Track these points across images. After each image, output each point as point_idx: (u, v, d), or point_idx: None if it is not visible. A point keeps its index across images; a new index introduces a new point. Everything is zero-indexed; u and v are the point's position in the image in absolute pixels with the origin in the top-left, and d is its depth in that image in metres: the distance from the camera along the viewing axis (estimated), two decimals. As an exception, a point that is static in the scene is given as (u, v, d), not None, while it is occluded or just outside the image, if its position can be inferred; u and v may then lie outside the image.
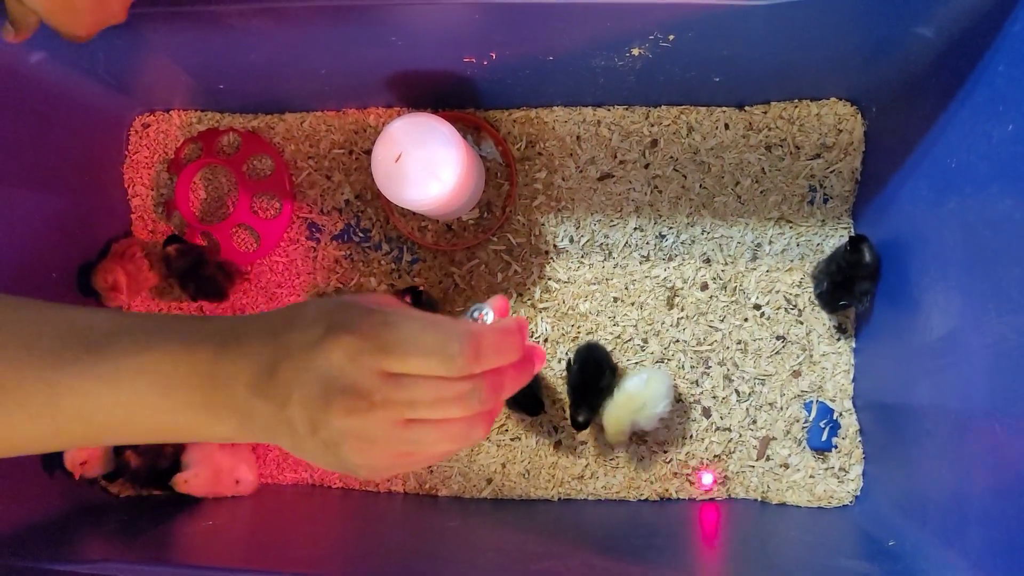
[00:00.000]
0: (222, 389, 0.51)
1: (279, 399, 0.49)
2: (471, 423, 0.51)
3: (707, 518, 0.98)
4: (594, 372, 0.98)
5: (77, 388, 0.50)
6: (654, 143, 1.05)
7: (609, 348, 1.03)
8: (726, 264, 1.03)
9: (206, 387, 0.51)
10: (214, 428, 0.52)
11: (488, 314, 0.56)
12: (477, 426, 0.52)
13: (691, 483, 1.01)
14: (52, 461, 0.98)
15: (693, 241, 1.03)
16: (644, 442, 1.01)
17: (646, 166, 1.05)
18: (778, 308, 1.02)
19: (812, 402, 1.00)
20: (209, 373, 0.51)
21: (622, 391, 0.96)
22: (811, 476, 0.99)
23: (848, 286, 0.94)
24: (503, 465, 1.03)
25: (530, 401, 0.99)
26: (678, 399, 1.01)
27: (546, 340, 1.04)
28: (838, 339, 1.01)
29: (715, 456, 1.01)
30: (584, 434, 1.02)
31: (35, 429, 0.51)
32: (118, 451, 1.01)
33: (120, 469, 1.01)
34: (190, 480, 0.99)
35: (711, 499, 1.01)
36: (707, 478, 1.00)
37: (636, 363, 1.02)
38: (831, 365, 1.01)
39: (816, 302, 1.01)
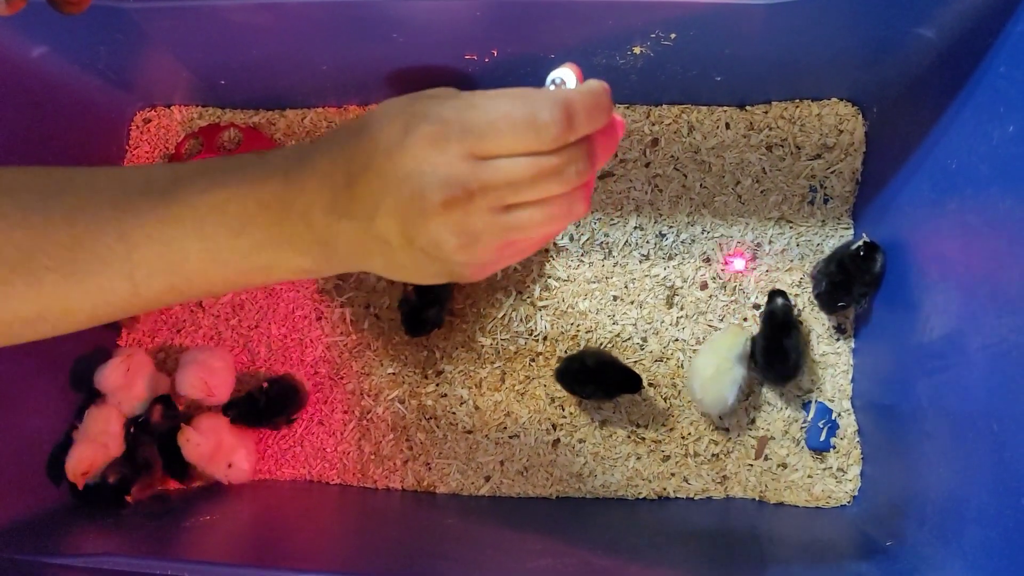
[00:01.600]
0: (298, 220, 0.48)
1: (364, 215, 0.46)
2: (571, 198, 0.48)
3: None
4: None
5: (151, 236, 0.48)
6: (655, 142, 1.05)
7: (608, 347, 1.03)
8: (726, 264, 1.03)
9: (281, 221, 0.48)
10: (296, 262, 0.49)
11: (569, 80, 0.51)
12: (578, 200, 0.49)
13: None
14: (58, 472, 0.99)
15: (693, 240, 1.03)
16: (642, 439, 1.01)
17: (647, 165, 1.05)
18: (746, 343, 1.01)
19: (811, 402, 1.00)
20: (281, 206, 0.48)
21: (704, 359, 0.96)
22: (809, 476, 1.00)
23: (848, 287, 0.94)
24: (501, 463, 1.03)
25: (628, 378, 0.98)
26: (677, 394, 1.01)
27: (545, 338, 1.04)
28: (837, 339, 1.01)
29: (713, 455, 1.01)
30: (583, 431, 1.02)
31: (117, 289, 0.49)
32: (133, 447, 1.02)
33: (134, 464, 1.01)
34: (192, 440, 0.99)
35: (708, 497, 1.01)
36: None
37: (635, 362, 1.02)
38: (830, 365, 1.01)
39: (815, 302, 1.01)
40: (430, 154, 0.44)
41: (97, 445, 0.98)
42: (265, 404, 1.02)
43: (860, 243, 0.92)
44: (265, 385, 1.03)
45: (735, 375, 0.95)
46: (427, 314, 1.00)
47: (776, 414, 1.00)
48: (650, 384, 1.02)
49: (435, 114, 0.45)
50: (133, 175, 0.51)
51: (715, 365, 0.95)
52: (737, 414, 1.01)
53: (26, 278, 0.48)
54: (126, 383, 1.01)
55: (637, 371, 0.98)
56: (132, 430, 1.02)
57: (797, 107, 1.03)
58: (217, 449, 1.01)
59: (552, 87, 0.51)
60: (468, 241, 0.46)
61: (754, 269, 1.01)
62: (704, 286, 1.03)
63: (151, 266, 0.49)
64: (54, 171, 0.51)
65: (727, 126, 1.04)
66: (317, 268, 0.50)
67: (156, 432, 1.03)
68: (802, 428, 1.00)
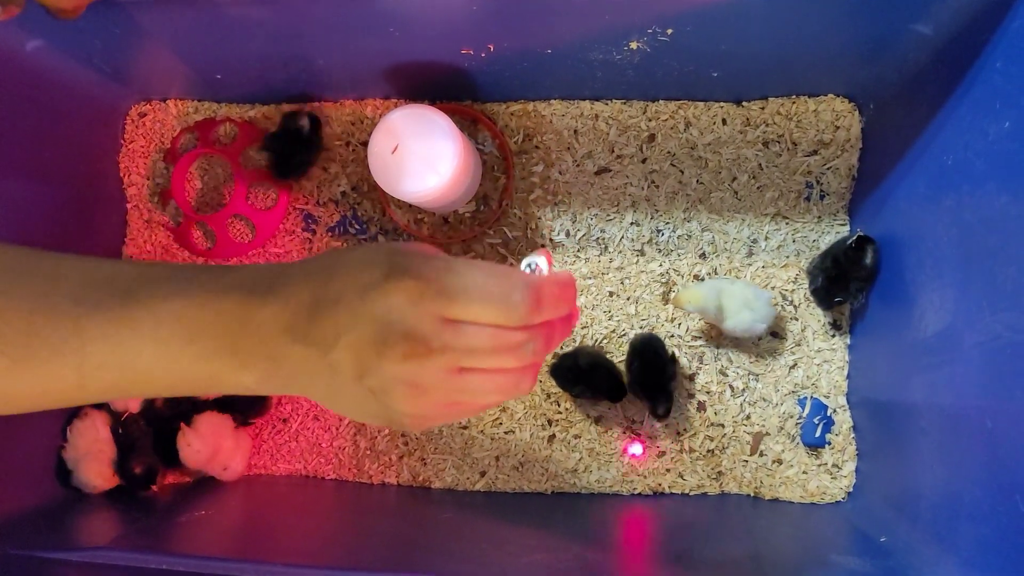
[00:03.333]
0: (252, 335, 0.49)
1: (322, 344, 0.48)
2: (521, 374, 0.52)
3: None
4: (655, 362, 0.98)
5: (106, 334, 0.49)
6: (651, 138, 1.05)
7: (603, 343, 1.03)
8: (722, 259, 1.03)
9: (234, 333, 0.49)
10: (240, 376, 0.51)
11: (543, 266, 0.56)
12: (526, 378, 0.52)
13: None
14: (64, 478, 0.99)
15: (689, 236, 1.03)
16: (638, 435, 1.01)
17: (643, 161, 1.05)
18: (774, 304, 1.02)
19: (806, 398, 1.00)
20: (238, 319, 0.49)
21: (735, 281, 0.97)
22: (804, 472, 1.00)
23: (844, 283, 0.94)
24: (497, 458, 1.03)
25: (613, 386, 0.98)
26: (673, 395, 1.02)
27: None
28: (833, 335, 1.01)
29: (708, 451, 1.01)
30: (579, 427, 1.02)
31: (64, 378, 0.50)
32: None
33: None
34: (194, 444, 0.99)
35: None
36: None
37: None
38: (825, 361, 1.01)
39: (811, 298, 1.01)
40: (404, 305, 0.47)
41: (94, 455, 0.98)
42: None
43: (853, 237, 0.92)
44: None
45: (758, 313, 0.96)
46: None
47: (771, 410, 1.00)
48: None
49: (417, 270, 0.48)
50: (98, 270, 0.52)
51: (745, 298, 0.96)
52: (731, 410, 1.01)
53: None
54: None
55: (595, 354, 0.98)
56: (121, 431, 1.01)
57: (794, 103, 1.03)
58: (215, 453, 1.01)
59: (527, 270, 0.56)
60: (415, 393, 0.48)
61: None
62: (700, 281, 1.03)
63: (101, 362, 0.50)
64: (20, 252, 0.52)
65: (724, 122, 1.04)
66: (258, 386, 0.52)
67: (155, 419, 1.03)
68: (797, 424, 1.00)
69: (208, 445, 1.00)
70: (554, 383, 1.02)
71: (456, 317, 0.48)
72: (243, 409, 1.04)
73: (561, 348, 1.03)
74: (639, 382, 0.98)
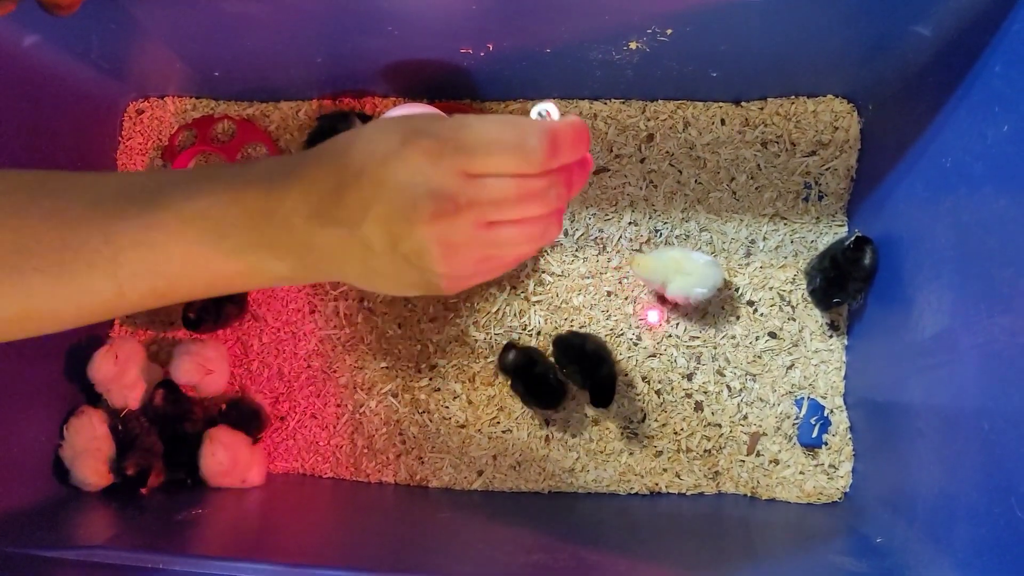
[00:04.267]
0: (280, 225, 0.49)
1: (350, 221, 0.48)
2: (547, 220, 0.52)
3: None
4: (593, 361, 0.99)
5: (136, 241, 0.49)
6: (650, 137, 1.05)
7: (603, 338, 1.03)
8: (719, 259, 1.03)
9: (261, 226, 0.50)
10: (274, 267, 0.51)
11: (553, 112, 0.56)
12: (553, 223, 0.53)
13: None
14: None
15: (687, 236, 1.03)
16: (635, 435, 1.02)
17: (642, 160, 1.05)
18: (771, 305, 1.02)
19: (803, 398, 1.00)
20: (263, 211, 0.50)
21: (685, 252, 0.98)
22: (801, 472, 1.00)
23: (842, 283, 0.94)
24: (494, 457, 1.03)
25: (603, 389, 0.98)
26: (666, 377, 1.02)
27: (539, 333, 1.04)
28: (830, 336, 1.01)
29: (705, 451, 1.01)
30: (576, 426, 1.02)
31: (102, 290, 0.50)
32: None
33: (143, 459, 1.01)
34: (218, 454, 0.99)
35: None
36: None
37: (629, 357, 1.02)
38: (823, 362, 1.01)
39: (809, 299, 1.01)
40: (425, 166, 0.47)
41: (92, 452, 0.98)
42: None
43: (852, 238, 0.92)
44: (224, 407, 1.04)
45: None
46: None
47: (768, 410, 1.01)
48: (643, 379, 1.02)
49: (432, 130, 0.48)
50: (118, 180, 0.52)
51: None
52: (728, 410, 1.01)
53: (13, 278, 0.49)
54: (118, 372, 1.00)
55: (629, 368, 0.98)
56: (121, 428, 1.01)
57: (793, 104, 1.03)
58: (234, 466, 1.01)
59: (538, 118, 0.55)
60: (449, 252, 0.49)
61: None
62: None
63: (135, 269, 0.50)
64: (40, 174, 0.52)
65: (722, 122, 1.04)
66: (293, 275, 0.52)
67: (158, 416, 1.03)
68: (794, 424, 1.00)
69: (227, 456, 1.00)
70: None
71: (477, 171, 0.48)
72: (245, 426, 1.04)
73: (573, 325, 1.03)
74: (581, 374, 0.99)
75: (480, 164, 0.48)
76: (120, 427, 1.01)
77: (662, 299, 1.02)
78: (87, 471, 0.97)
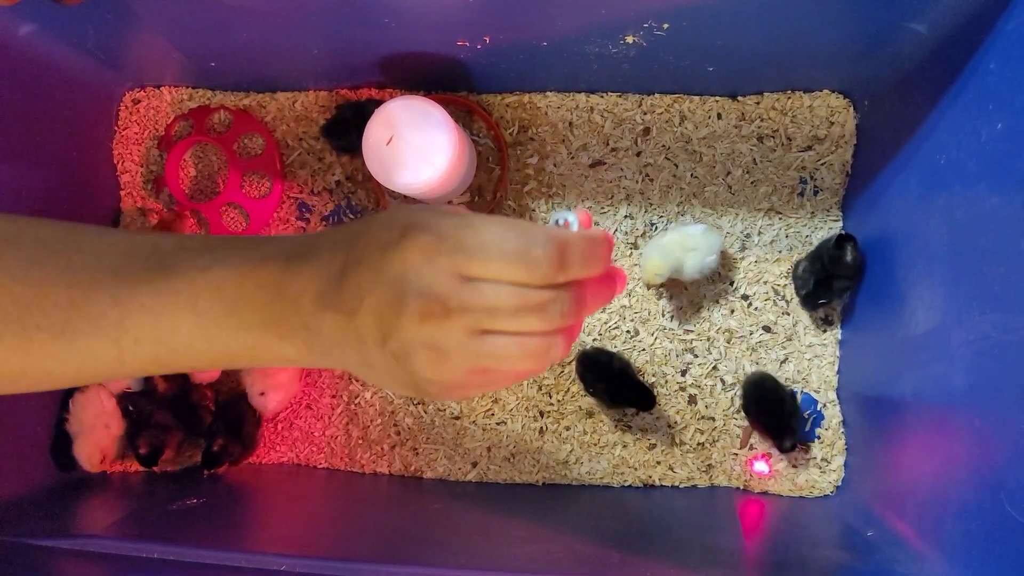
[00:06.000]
0: (289, 305, 0.48)
1: (348, 309, 0.47)
2: (550, 339, 0.48)
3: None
4: (773, 401, 0.98)
5: (144, 307, 0.49)
6: (646, 131, 1.05)
7: (598, 338, 1.03)
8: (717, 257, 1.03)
9: (273, 304, 0.48)
10: (281, 349, 0.50)
11: (573, 222, 0.51)
12: (556, 343, 0.48)
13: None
14: (64, 461, 1.00)
15: (683, 230, 1.04)
16: (629, 428, 1.02)
17: (638, 154, 1.05)
18: (766, 299, 1.02)
19: (796, 392, 1.01)
20: (276, 289, 0.48)
21: (678, 231, 0.98)
22: (793, 466, 1.00)
23: (828, 284, 0.94)
24: (488, 449, 1.04)
25: (642, 394, 0.98)
26: (661, 371, 1.02)
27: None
28: (824, 331, 1.02)
29: (699, 444, 1.01)
30: (570, 419, 1.03)
31: (103, 352, 0.49)
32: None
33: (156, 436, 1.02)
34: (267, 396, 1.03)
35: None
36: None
37: (624, 350, 1.03)
38: (816, 356, 1.01)
39: (800, 304, 1.01)
40: (419, 262, 0.45)
41: (99, 429, 0.99)
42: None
43: (834, 237, 0.93)
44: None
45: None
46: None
47: (762, 404, 1.01)
48: (638, 372, 1.02)
49: (433, 226, 0.46)
50: (137, 243, 0.51)
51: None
52: (722, 403, 1.01)
53: (17, 334, 0.48)
54: None
55: (627, 363, 0.99)
56: (131, 407, 1.02)
57: (789, 98, 1.03)
58: (271, 374, 1.02)
59: (555, 225, 0.51)
60: (437, 357, 0.46)
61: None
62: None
63: (140, 334, 0.49)
64: (61, 227, 0.52)
65: (719, 116, 1.04)
66: (299, 357, 0.51)
67: (167, 399, 1.04)
68: (787, 418, 1.01)
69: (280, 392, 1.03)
70: (552, 374, 1.02)
71: (475, 275, 0.45)
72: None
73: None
74: (761, 421, 0.99)
75: (478, 267, 0.45)
76: (131, 407, 1.02)
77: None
78: (91, 447, 0.98)
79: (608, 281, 0.51)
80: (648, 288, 1.03)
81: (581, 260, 0.47)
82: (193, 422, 1.04)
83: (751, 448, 1.00)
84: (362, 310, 0.46)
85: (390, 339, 0.46)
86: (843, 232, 0.93)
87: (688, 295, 1.03)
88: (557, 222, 0.51)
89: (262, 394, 1.03)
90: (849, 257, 0.92)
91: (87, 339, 0.49)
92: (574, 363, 1.01)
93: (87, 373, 0.51)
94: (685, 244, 0.97)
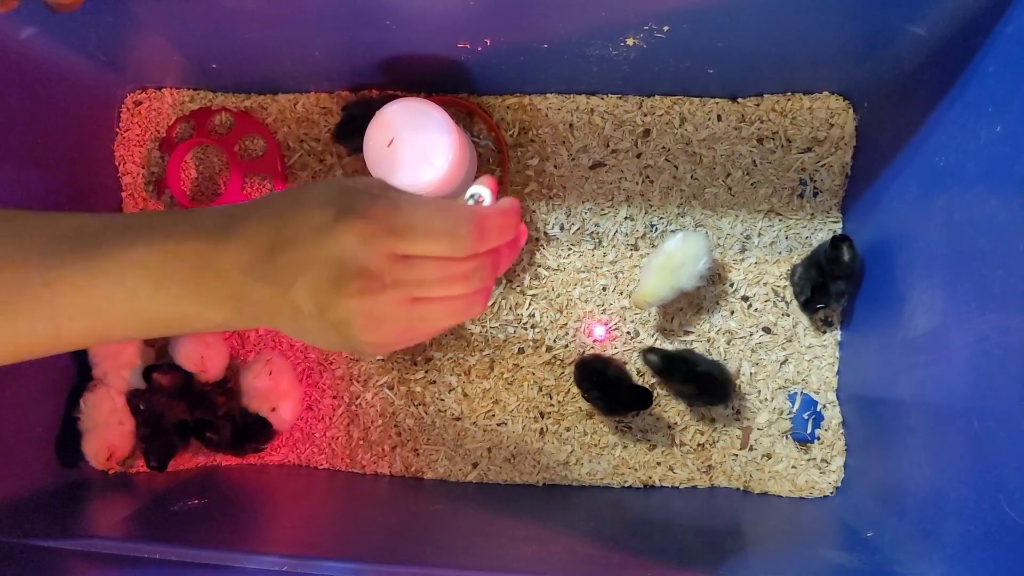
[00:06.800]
0: (216, 277, 0.51)
1: (282, 282, 0.51)
2: (471, 299, 0.55)
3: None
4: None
5: (76, 286, 0.51)
6: (647, 133, 1.05)
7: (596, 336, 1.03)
8: (715, 255, 1.03)
9: (198, 277, 0.52)
10: (211, 316, 0.53)
11: (485, 198, 0.58)
12: (477, 302, 0.56)
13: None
14: (75, 450, 1.01)
15: (683, 231, 1.04)
16: (629, 428, 1.02)
17: (638, 156, 1.05)
18: (766, 300, 1.02)
19: (796, 393, 1.01)
20: (201, 263, 0.51)
21: (660, 252, 0.97)
22: (793, 467, 1.01)
23: (825, 288, 0.94)
24: (489, 450, 1.04)
25: (638, 394, 0.98)
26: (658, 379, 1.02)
27: (534, 327, 1.04)
28: (824, 332, 1.02)
29: (699, 445, 1.02)
30: (570, 420, 1.03)
31: (39, 330, 0.52)
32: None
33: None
34: (255, 369, 1.03)
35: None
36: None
37: (625, 351, 1.03)
38: (816, 357, 1.02)
39: (800, 308, 1.02)
40: (356, 246, 0.50)
41: (112, 426, 1.00)
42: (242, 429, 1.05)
43: (829, 239, 0.93)
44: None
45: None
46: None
47: (762, 405, 1.01)
48: (638, 374, 1.03)
49: (366, 210, 0.50)
50: (63, 223, 0.54)
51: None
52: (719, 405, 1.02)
53: None
54: (116, 348, 1.01)
55: (630, 369, 0.99)
56: (143, 407, 1.02)
57: (789, 100, 1.03)
58: (272, 389, 1.03)
59: (471, 201, 0.59)
60: (373, 323, 0.51)
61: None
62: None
63: (73, 311, 0.52)
64: None
65: (719, 118, 1.04)
66: (227, 322, 0.54)
67: (176, 392, 1.04)
68: (787, 419, 1.01)
69: (266, 377, 1.03)
70: (552, 375, 1.02)
71: (406, 253, 0.51)
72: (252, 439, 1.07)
73: (554, 340, 1.03)
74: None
75: (408, 247, 0.51)
76: (142, 407, 1.02)
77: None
78: (100, 444, 0.99)
79: (515, 241, 0.58)
80: (641, 310, 1.03)
81: (497, 233, 0.55)
82: (205, 407, 1.04)
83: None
84: (297, 286, 0.50)
85: (328, 311, 0.51)
86: (838, 233, 0.93)
87: (688, 297, 1.03)
88: (473, 197, 0.59)
89: (273, 410, 1.03)
90: (847, 257, 0.92)
91: (23, 317, 0.52)
92: (573, 372, 1.02)
93: (27, 349, 0.54)
94: (670, 265, 0.96)
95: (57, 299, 0.51)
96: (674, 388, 1.00)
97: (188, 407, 1.04)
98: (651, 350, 0.99)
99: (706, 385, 0.97)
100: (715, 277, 1.03)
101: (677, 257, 0.96)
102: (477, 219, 0.53)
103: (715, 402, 1.00)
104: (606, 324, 1.02)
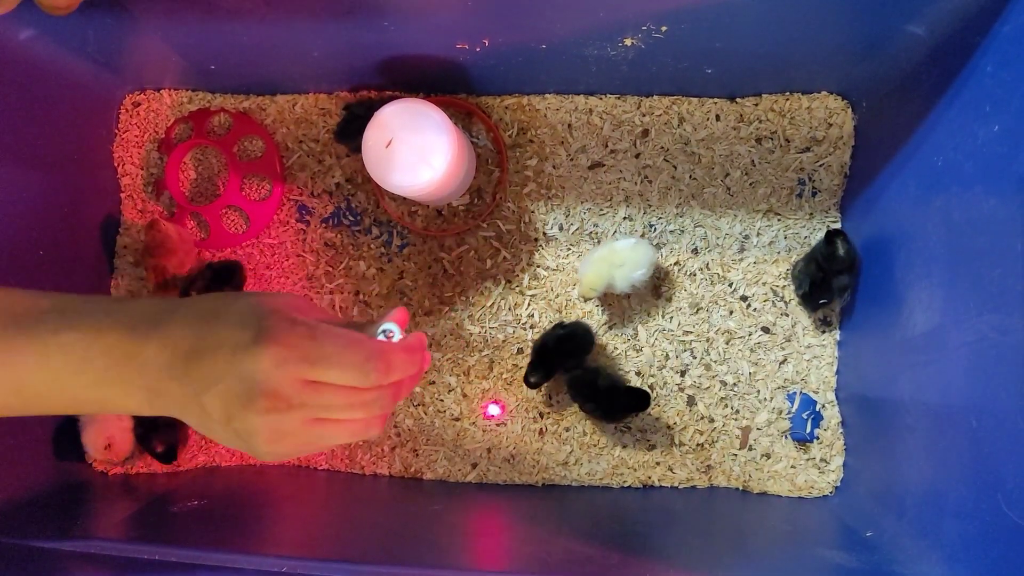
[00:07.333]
0: (136, 369, 0.56)
1: (195, 387, 0.55)
2: (370, 422, 0.60)
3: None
4: (572, 348, 0.99)
5: (2, 360, 0.55)
6: (645, 133, 1.05)
7: (597, 335, 1.03)
8: (713, 254, 1.03)
9: (120, 366, 0.56)
10: (125, 402, 0.57)
11: (395, 334, 0.63)
12: (374, 425, 0.61)
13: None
14: (74, 451, 1.01)
15: (682, 231, 1.04)
16: (628, 429, 1.02)
17: (637, 156, 1.05)
18: (765, 300, 1.02)
19: (795, 393, 1.01)
20: (123, 354, 0.56)
21: (607, 246, 0.98)
22: (792, 466, 1.01)
23: (827, 283, 0.95)
24: (488, 450, 1.04)
25: (635, 396, 0.98)
26: (660, 372, 1.02)
27: (533, 327, 1.04)
28: (823, 331, 1.02)
29: (698, 445, 1.02)
30: (569, 420, 1.03)
31: None
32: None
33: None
34: None
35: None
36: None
37: (624, 351, 1.03)
38: (815, 357, 1.02)
39: (800, 303, 1.01)
40: (270, 368, 0.54)
41: (111, 420, 1.01)
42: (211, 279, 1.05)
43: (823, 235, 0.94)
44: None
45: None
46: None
47: (761, 405, 1.01)
48: (637, 374, 1.03)
49: (284, 337, 0.55)
50: (15, 301, 0.58)
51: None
52: (721, 404, 1.02)
53: None
54: None
55: (624, 363, 0.99)
56: None
57: (787, 100, 1.03)
58: None
59: (382, 336, 0.63)
60: (276, 438, 0.56)
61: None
62: (692, 277, 1.03)
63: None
64: None
65: (717, 118, 1.04)
66: (140, 409, 0.58)
67: None
68: (787, 419, 1.01)
69: None
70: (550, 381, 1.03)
71: (315, 380, 0.55)
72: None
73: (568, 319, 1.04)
74: (541, 348, 1.00)
75: (318, 375, 0.55)
76: None
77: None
78: (96, 433, 1.00)
79: (417, 373, 0.63)
80: (585, 301, 1.04)
81: (401, 368, 0.60)
82: None
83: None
84: (210, 393, 0.54)
85: (234, 420, 0.55)
86: (832, 228, 0.93)
87: (688, 297, 1.03)
88: (384, 333, 0.64)
89: None
90: (842, 251, 0.93)
91: None
92: (567, 389, 1.01)
93: None
94: (612, 260, 0.97)
95: None
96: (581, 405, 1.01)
97: None
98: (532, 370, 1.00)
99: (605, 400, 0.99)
100: (713, 278, 1.02)
101: (621, 256, 0.97)
102: (385, 355, 0.58)
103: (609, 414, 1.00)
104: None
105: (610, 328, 1.04)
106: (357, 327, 0.64)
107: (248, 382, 0.54)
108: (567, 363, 1.00)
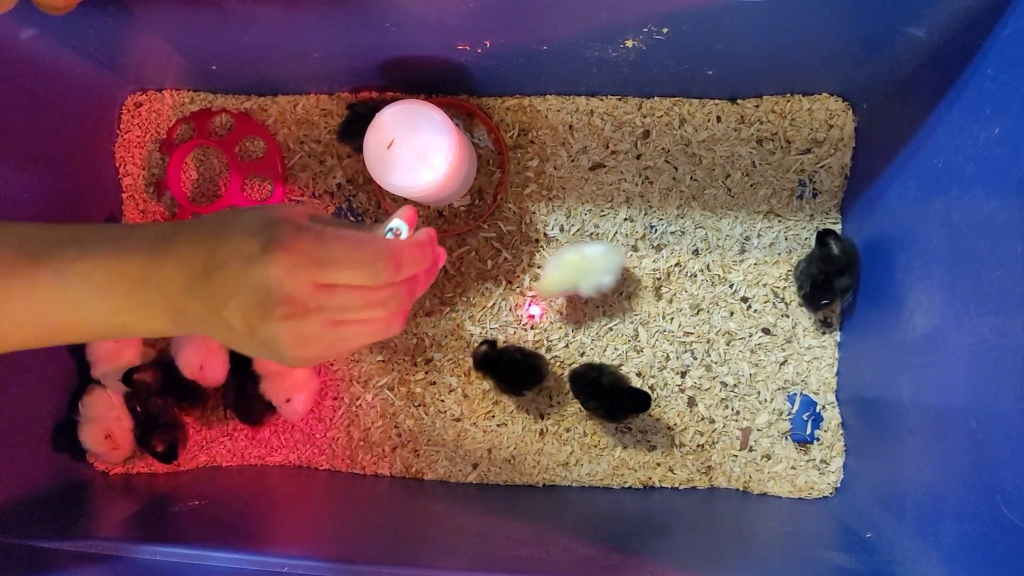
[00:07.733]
0: (155, 291, 0.56)
1: (215, 302, 0.55)
2: (390, 320, 0.61)
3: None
4: (517, 377, 1.00)
5: (20, 296, 0.56)
6: (646, 134, 1.05)
7: (596, 337, 1.03)
8: (714, 256, 1.03)
9: (140, 291, 0.56)
10: (150, 325, 0.58)
11: (403, 231, 0.64)
12: (395, 322, 0.61)
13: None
14: (74, 451, 1.02)
15: (683, 232, 1.04)
16: (628, 430, 1.02)
17: (638, 157, 1.05)
18: (765, 301, 1.03)
19: (796, 394, 1.01)
20: (141, 277, 0.56)
21: (576, 250, 0.98)
22: (792, 467, 1.01)
23: (828, 284, 0.95)
24: (489, 451, 1.04)
25: (636, 397, 0.97)
26: (660, 373, 1.02)
27: (533, 328, 1.05)
28: (823, 333, 1.02)
29: (698, 446, 1.02)
30: (570, 420, 1.03)
31: None
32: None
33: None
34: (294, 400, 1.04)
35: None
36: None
37: (625, 352, 1.03)
38: (816, 358, 1.02)
39: (802, 302, 1.02)
40: (281, 276, 0.54)
41: (111, 419, 1.01)
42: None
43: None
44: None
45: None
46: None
47: (761, 406, 1.01)
48: (638, 375, 1.03)
49: (291, 243, 0.55)
50: (7, 233, 0.58)
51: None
52: (721, 405, 1.02)
53: None
54: (116, 350, 1.02)
55: (625, 364, 0.99)
56: (140, 408, 1.03)
57: (788, 101, 1.03)
58: (286, 375, 1.02)
59: (389, 235, 0.64)
60: (299, 343, 0.57)
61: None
62: (693, 278, 1.03)
63: (20, 319, 0.56)
64: None
65: (718, 119, 1.04)
66: (165, 330, 0.59)
67: (160, 388, 1.05)
68: (787, 420, 1.01)
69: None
70: (551, 376, 1.03)
71: (328, 283, 0.56)
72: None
73: (554, 340, 1.04)
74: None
75: (330, 277, 0.56)
76: (139, 408, 1.03)
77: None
78: (95, 430, 1.01)
79: (434, 267, 0.64)
80: (545, 299, 1.04)
81: (412, 264, 0.60)
82: (195, 396, 1.05)
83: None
84: (229, 307, 0.55)
85: (257, 330, 0.55)
86: (822, 229, 0.94)
87: (689, 298, 1.03)
88: (391, 230, 0.64)
89: (288, 400, 1.03)
90: (836, 249, 0.93)
91: None
92: (569, 385, 1.01)
93: None
94: (582, 266, 0.97)
95: (2, 307, 0.55)
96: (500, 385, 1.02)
97: (176, 400, 1.04)
98: (485, 342, 1.01)
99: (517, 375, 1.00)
100: (714, 279, 1.03)
101: (592, 262, 0.97)
102: (394, 252, 0.58)
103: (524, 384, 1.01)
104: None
105: (610, 330, 1.04)
106: (366, 229, 0.65)
107: (262, 291, 0.54)
108: (509, 382, 1.00)
